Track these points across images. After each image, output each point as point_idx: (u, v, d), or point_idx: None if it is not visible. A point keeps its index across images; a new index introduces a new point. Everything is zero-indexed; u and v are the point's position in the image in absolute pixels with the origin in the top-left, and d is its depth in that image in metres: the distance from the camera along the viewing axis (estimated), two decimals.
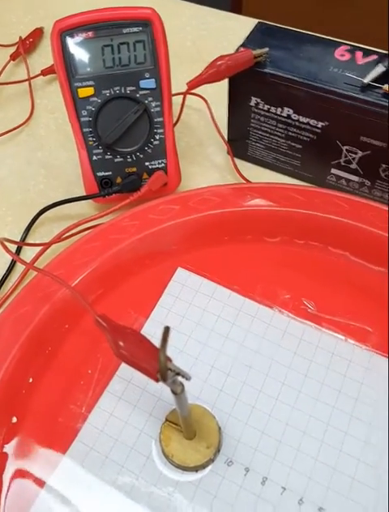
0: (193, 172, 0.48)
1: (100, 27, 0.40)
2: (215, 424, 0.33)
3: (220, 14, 0.64)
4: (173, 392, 0.25)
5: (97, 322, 0.28)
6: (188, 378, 0.25)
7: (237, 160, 0.47)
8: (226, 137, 0.47)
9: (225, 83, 0.43)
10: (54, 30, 0.40)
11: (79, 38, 0.40)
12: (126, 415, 0.34)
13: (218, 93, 0.46)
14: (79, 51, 0.40)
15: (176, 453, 0.32)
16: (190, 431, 0.31)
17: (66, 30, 0.40)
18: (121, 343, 0.26)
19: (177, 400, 0.27)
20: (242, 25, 0.62)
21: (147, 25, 0.40)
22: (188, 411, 0.29)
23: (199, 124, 0.52)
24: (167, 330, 0.23)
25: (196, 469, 0.32)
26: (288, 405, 0.34)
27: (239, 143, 0.47)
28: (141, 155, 0.44)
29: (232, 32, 0.62)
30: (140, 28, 0.40)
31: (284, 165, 0.45)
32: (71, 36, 0.40)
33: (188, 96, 0.48)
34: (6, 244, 0.38)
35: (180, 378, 0.25)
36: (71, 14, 0.40)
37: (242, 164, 0.48)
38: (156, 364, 0.25)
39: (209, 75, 0.40)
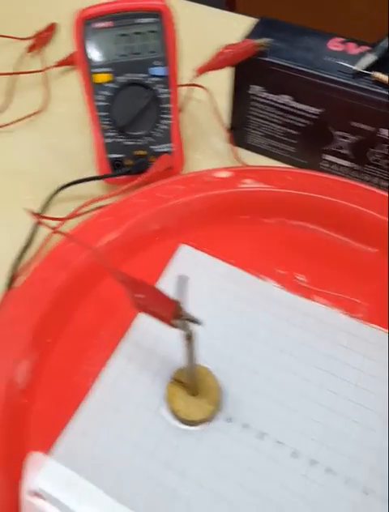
0: (196, 158, 0.49)
1: (117, 17, 0.40)
2: (216, 383, 0.33)
3: (217, 13, 0.65)
4: (186, 337, 0.26)
5: (117, 276, 0.29)
6: (199, 323, 0.25)
7: (237, 148, 0.47)
8: (227, 126, 0.48)
9: (226, 74, 0.43)
10: (77, 18, 0.40)
11: (98, 27, 0.40)
12: (135, 373, 0.35)
13: (219, 84, 0.46)
14: (98, 39, 0.41)
15: (180, 408, 0.32)
16: (194, 386, 0.32)
17: (87, 19, 0.40)
18: (139, 296, 0.27)
19: (187, 348, 0.27)
20: (240, 22, 0.62)
21: (159, 16, 0.40)
22: (195, 361, 0.29)
23: (201, 114, 0.52)
24: (182, 279, 0.23)
25: (199, 424, 0.32)
26: (283, 369, 0.34)
27: (239, 132, 0.47)
28: (149, 139, 0.44)
29: (230, 29, 0.62)
30: (153, 19, 0.40)
31: (280, 152, 0.46)
32: (92, 24, 0.40)
33: (191, 88, 0.49)
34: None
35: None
36: (92, 5, 0.40)
37: (242, 152, 0.48)
38: (170, 311, 0.26)
39: (217, 62, 0.41)
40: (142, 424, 0.33)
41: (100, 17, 0.40)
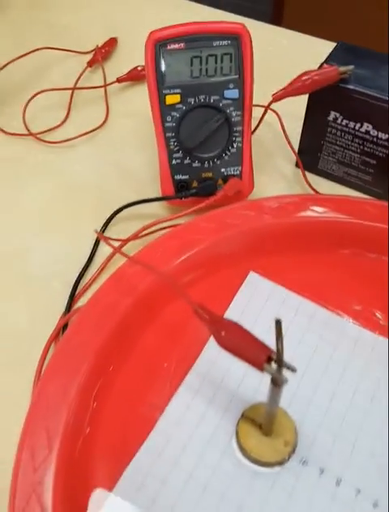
0: (262, 181, 0.48)
1: (191, 40, 0.40)
2: (291, 423, 0.32)
3: (281, 32, 0.64)
4: (275, 383, 0.25)
5: (197, 312, 0.28)
6: (294, 370, 0.24)
7: (306, 173, 0.46)
8: (296, 149, 0.47)
9: (297, 97, 0.42)
10: (149, 40, 0.40)
11: (171, 48, 0.40)
12: (203, 408, 0.33)
13: (288, 106, 0.46)
14: (169, 60, 0.40)
15: (253, 448, 0.31)
16: (270, 427, 0.31)
17: (160, 41, 0.40)
18: (223, 334, 0.26)
19: (273, 393, 0.26)
20: (307, 43, 0.61)
21: (237, 39, 0.40)
22: (278, 405, 0.28)
23: (268, 135, 0.52)
24: (279, 323, 0.22)
25: (272, 465, 0.31)
26: (361, 411, 0.33)
27: (309, 156, 0.46)
28: (218, 162, 0.43)
29: (295, 49, 0.61)
30: (229, 42, 0.40)
31: (354, 180, 0.45)
32: (164, 46, 0.40)
33: (258, 109, 0.48)
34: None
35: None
36: (165, 26, 0.40)
37: (310, 177, 0.47)
38: (260, 354, 0.24)
39: (294, 89, 0.40)
40: (211, 463, 0.31)
41: (173, 39, 0.40)
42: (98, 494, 0.30)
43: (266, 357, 0.24)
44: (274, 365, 0.24)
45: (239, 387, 0.34)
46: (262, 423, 0.31)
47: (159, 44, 0.40)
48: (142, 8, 0.69)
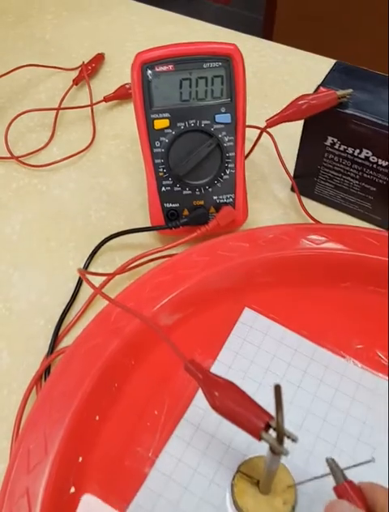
0: (256, 207, 0.46)
1: (180, 61, 0.38)
2: (290, 479, 0.30)
3: (277, 47, 0.62)
4: (275, 452, 0.23)
5: (189, 369, 0.26)
6: (295, 440, 0.22)
7: (302, 198, 0.44)
8: (292, 173, 0.45)
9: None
10: (136, 62, 0.38)
11: (158, 71, 0.38)
12: (196, 462, 0.31)
13: (283, 128, 0.44)
14: (157, 83, 0.38)
15: (250, 508, 0.29)
16: (269, 486, 0.29)
17: (147, 62, 0.38)
18: (217, 394, 0.24)
19: (272, 458, 0.24)
20: (301, 59, 0.60)
21: (228, 61, 0.38)
22: (277, 469, 0.26)
23: (263, 157, 0.50)
24: (279, 389, 0.20)
25: None
26: (367, 465, 0.31)
27: (305, 181, 0.44)
28: (210, 189, 0.41)
29: (284, 65, 0.60)
30: (220, 63, 0.38)
31: (353, 206, 0.43)
32: (152, 68, 0.38)
33: (251, 130, 0.46)
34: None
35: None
36: (152, 47, 0.38)
37: (307, 202, 0.45)
38: (257, 421, 0.22)
39: (290, 114, 0.38)
40: None
41: (161, 60, 0.38)
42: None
43: (264, 425, 0.22)
44: (273, 433, 0.22)
45: (234, 438, 0.32)
46: (259, 480, 0.29)
47: (146, 66, 0.38)
48: (130, 22, 0.67)
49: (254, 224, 0.45)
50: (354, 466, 0.26)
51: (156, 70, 0.38)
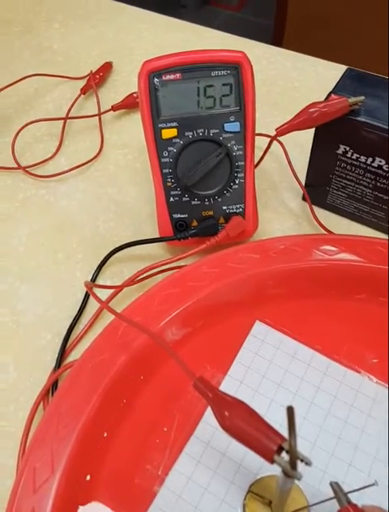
0: (267, 217, 0.46)
1: (188, 70, 0.38)
2: (304, 500, 0.29)
3: (287, 54, 0.62)
4: (288, 475, 0.22)
5: (198, 387, 0.25)
6: (309, 464, 0.21)
7: (314, 207, 0.44)
8: (303, 182, 0.44)
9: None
10: (143, 70, 0.38)
11: (166, 79, 0.38)
12: (206, 481, 0.31)
13: (294, 136, 0.43)
14: (165, 92, 0.38)
15: None
16: (282, 508, 0.28)
17: (154, 71, 0.38)
18: (227, 414, 0.23)
19: (285, 481, 0.23)
20: (311, 66, 0.59)
21: (237, 68, 0.38)
22: (290, 490, 0.25)
23: (273, 166, 0.49)
24: (291, 411, 0.20)
25: None
26: (381, 482, 0.30)
27: (316, 190, 0.44)
28: (219, 199, 0.41)
29: (296, 71, 0.59)
30: (228, 71, 0.38)
31: (366, 216, 0.42)
32: (159, 77, 0.38)
33: (261, 138, 0.46)
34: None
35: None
36: (159, 55, 0.38)
37: (319, 212, 0.45)
38: (270, 444, 0.22)
39: (300, 122, 0.37)
40: None
41: (168, 69, 0.38)
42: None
43: (277, 447, 0.21)
44: (286, 456, 0.21)
45: (245, 457, 0.31)
46: (271, 500, 0.29)
47: (153, 75, 0.38)
48: (138, 30, 0.67)
49: (265, 234, 0.44)
50: (357, 490, 0.26)
51: (164, 78, 0.38)
